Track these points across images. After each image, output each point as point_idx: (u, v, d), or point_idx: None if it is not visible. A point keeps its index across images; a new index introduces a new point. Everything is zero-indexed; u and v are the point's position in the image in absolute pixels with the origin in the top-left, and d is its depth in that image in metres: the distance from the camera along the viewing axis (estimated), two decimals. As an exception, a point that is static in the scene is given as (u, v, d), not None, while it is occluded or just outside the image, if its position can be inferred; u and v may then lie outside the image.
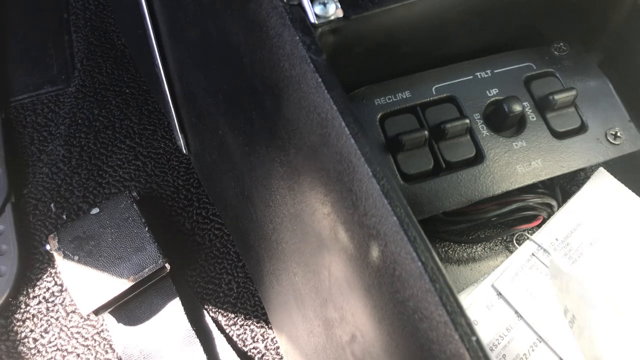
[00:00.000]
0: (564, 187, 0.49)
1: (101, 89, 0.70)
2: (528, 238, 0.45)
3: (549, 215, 0.46)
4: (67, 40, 0.75)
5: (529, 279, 0.43)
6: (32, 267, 0.61)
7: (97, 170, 0.65)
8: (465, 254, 0.48)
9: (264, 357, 0.59)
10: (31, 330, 0.58)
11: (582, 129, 0.43)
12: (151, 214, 0.62)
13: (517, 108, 0.40)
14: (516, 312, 0.42)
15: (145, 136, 0.67)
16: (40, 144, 0.68)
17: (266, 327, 0.60)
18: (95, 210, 0.59)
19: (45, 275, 0.61)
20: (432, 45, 0.42)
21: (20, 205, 0.64)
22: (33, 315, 0.59)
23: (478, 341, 0.28)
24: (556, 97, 0.42)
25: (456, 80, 0.42)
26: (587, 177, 0.48)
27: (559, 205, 0.46)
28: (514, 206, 0.44)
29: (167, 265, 0.56)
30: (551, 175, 0.41)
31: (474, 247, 0.48)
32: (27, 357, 0.57)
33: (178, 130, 0.60)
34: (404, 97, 0.41)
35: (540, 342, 0.42)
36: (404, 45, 0.41)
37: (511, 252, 0.46)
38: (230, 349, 0.58)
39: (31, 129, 0.69)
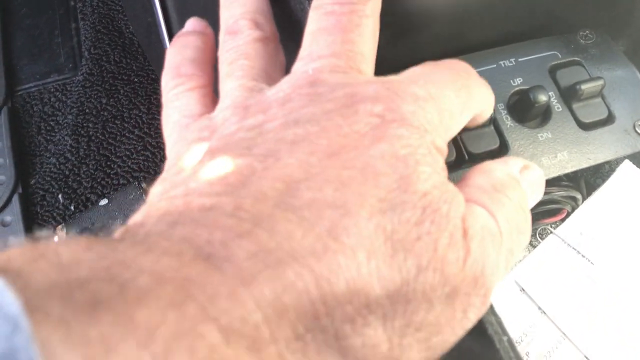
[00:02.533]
0: (588, 179, 0.48)
1: (109, 77, 0.69)
2: (551, 232, 0.44)
3: (573, 209, 0.45)
4: (74, 28, 0.74)
5: (552, 274, 0.42)
6: (39, 259, 0.60)
7: (106, 160, 0.64)
8: (485, 248, 0.47)
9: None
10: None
11: (609, 119, 0.42)
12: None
13: (543, 98, 0.39)
14: (539, 308, 0.41)
15: (155, 126, 0.66)
16: (48, 133, 0.66)
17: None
18: (104, 202, 0.58)
19: (53, 268, 0.60)
20: (454, 32, 0.41)
21: (28, 196, 0.63)
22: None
23: (510, 341, 0.27)
24: (583, 86, 0.40)
25: (479, 69, 0.41)
26: (612, 170, 0.47)
27: (584, 199, 0.45)
28: (537, 199, 0.42)
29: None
30: (577, 167, 0.40)
31: (494, 241, 0.47)
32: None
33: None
34: (426, 86, 0.40)
35: (564, 339, 0.40)
36: (424, 32, 0.39)
37: (534, 246, 0.45)
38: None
39: (38, 119, 0.67)
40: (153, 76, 0.69)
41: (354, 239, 0.16)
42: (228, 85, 0.23)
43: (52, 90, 0.69)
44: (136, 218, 0.18)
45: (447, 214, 0.18)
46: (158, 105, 0.67)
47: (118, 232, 0.17)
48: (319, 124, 0.18)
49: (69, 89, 0.69)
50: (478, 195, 0.21)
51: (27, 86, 0.70)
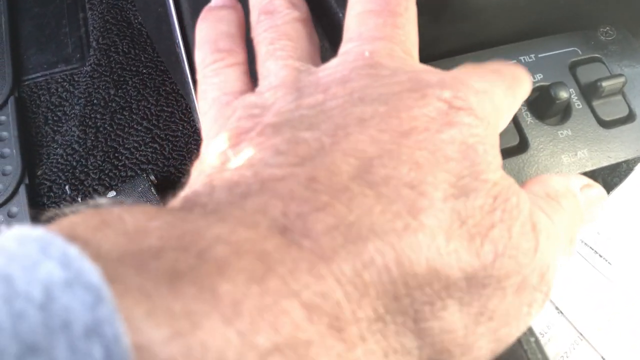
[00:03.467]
0: (605, 178, 0.47)
1: (117, 68, 0.68)
2: (569, 231, 0.44)
3: (591, 208, 0.44)
4: (82, 18, 0.73)
5: (569, 274, 0.41)
6: (46, 251, 0.59)
7: (114, 152, 0.63)
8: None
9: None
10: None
11: (630, 117, 0.41)
12: (169, 198, 0.60)
13: (564, 95, 0.38)
14: (557, 308, 0.41)
15: (163, 118, 0.65)
16: (55, 124, 0.66)
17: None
18: (111, 194, 0.57)
19: (60, 259, 0.59)
20: (474, 26, 0.40)
21: (34, 187, 0.62)
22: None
23: (537, 342, 0.26)
24: (604, 84, 0.40)
25: (499, 64, 0.40)
26: (629, 169, 0.46)
27: (602, 198, 0.44)
28: (555, 198, 0.42)
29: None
30: (598, 165, 0.39)
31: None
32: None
33: (198, 112, 0.58)
34: (446, 80, 0.39)
35: (581, 339, 0.40)
36: (443, 27, 0.38)
37: (550, 245, 0.45)
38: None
39: (45, 109, 0.67)
40: (162, 68, 0.68)
41: (432, 220, 0.16)
42: (272, 66, 0.22)
43: (59, 80, 0.69)
44: (194, 188, 0.17)
45: (517, 205, 0.18)
46: (167, 97, 0.67)
47: (177, 202, 0.17)
48: (387, 104, 0.18)
49: (76, 79, 0.69)
50: (534, 200, 0.21)
51: (34, 76, 0.69)
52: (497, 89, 0.21)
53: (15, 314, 0.10)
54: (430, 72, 0.19)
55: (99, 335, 0.10)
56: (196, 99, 0.59)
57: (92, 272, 0.11)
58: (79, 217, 0.14)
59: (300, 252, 0.14)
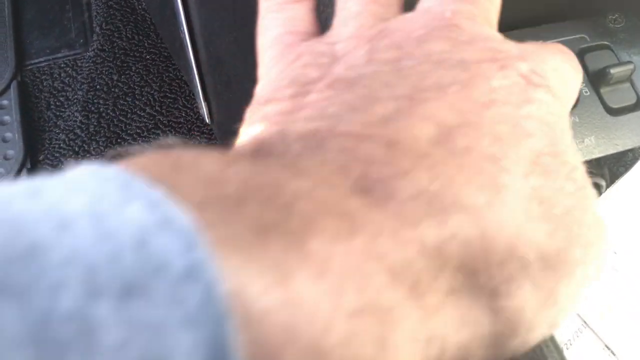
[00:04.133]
0: (611, 168, 0.47)
1: (121, 54, 0.68)
2: (574, 219, 0.43)
3: (597, 197, 0.44)
4: (86, 3, 0.73)
5: (574, 262, 0.41)
6: (48, 235, 0.59)
7: (116, 138, 0.63)
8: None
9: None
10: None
11: (638, 105, 0.41)
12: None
13: (572, 81, 0.38)
14: (561, 296, 0.40)
15: (166, 104, 0.65)
16: (57, 109, 0.66)
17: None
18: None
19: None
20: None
21: (36, 172, 0.62)
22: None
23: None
24: (612, 71, 0.39)
25: (507, 50, 0.40)
26: (635, 158, 0.46)
27: (607, 186, 0.44)
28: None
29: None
30: (604, 153, 0.39)
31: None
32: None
33: (202, 98, 0.58)
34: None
35: (585, 327, 0.40)
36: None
37: (555, 233, 0.44)
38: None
39: (48, 94, 0.67)
40: (165, 54, 0.68)
41: (513, 197, 0.16)
42: (353, 8, 0.21)
43: (62, 65, 0.68)
44: (263, 135, 0.17)
45: (590, 195, 0.18)
46: (170, 84, 0.66)
47: (247, 147, 0.16)
48: (468, 71, 0.17)
49: (79, 64, 0.68)
50: None
51: (36, 61, 0.69)
52: (567, 69, 0.20)
53: (111, 254, 0.10)
54: (510, 44, 0.19)
55: (196, 280, 0.10)
56: (200, 86, 0.59)
57: (180, 216, 0.11)
58: (150, 158, 0.13)
59: (384, 215, 0.14)
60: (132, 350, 0.09)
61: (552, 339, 0.26)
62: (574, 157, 0.18)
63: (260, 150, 0.16)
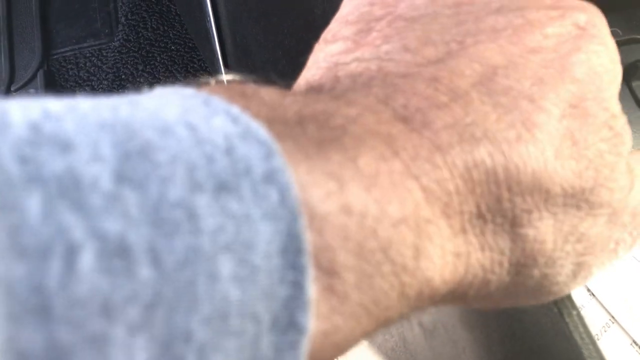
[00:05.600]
0: None
1: (146, 44, 0.68)
2: (602, 214, 0.43)
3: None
4: (111, -6, 0.73)
5: (602, 257, 0.41)
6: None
7: (141, 127, 0.64)
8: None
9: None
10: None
11: (670, 100, 0.40)
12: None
13: (604, 74, 0.38)
14: (588, 290, 0.40)
15: (191, 95, 0.65)
16: (83, 98, 0.66)
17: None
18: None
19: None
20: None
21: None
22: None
23: (579, 315, 0.26)
24: (644, 64, 0.39)
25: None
26: (665, 154, 0.45)
27: (637, 181, 0.44)
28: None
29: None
30: (636, 147, 0.38)
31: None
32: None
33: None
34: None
35: (613, 322, 0.40)
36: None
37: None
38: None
39: (73, 83, 0.67)
40: (190, 44, 0.68)
41: (545, 134, 0.17)
42: None
43: (87, 55, 0.69)
44: (317, 77, 0.18)
45: (624, 142, 0.19)
46: (195, 74, 0.67)
47: (301, 86, 0.18)
48: (524, 17, 0.18)
49: (104, 54, 0.69)
50: None
51: (63, 50, 0.69)
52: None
53: (206, 156, 0.12)
54: None
55: (274, 182, 0.12)
56: (224, 75, 0.59)
57: (259, 128, 0.12)
58: (217, 87, 0.15)
59: (420, 140, 0.15)
60: (225, 234, 0.11)
61: (587, 331, 0.26)
62: (616, 106, 0.19)
63: (311, 89, 0.17)
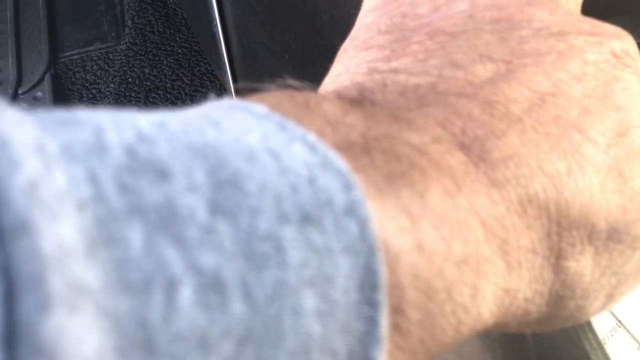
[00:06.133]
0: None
1: (152, 47, 0.68)
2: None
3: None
4: (118, -3, 0.73)
5: (609, 261, 0.41)
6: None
7: (147, 130, 0.64)
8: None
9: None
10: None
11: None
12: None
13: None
14: (596, 295, 0.40)
15: (197, 98, 0.66)
16: (90, 101, 0.66)
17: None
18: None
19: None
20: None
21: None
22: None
23: (588, 322, 0.26)
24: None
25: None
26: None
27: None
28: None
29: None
30: None
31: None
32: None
33: (234, 93, 0.58)
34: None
35: (619, 327, 0.40)
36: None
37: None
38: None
39: (80, 86, 0.67)
40: (197, 48, 0.69)
41: (592, 167, 0.17)
42: None
43: (94, 58, 0.69)
44: (364, 82, 0.17)
45: None
46: (201, 78, 0.67)
47: (350, 94, 0.17)
48: (566, 42, 0.18)
49: (111, 57, 0.69)
50: None
51: (69, 53, 0.70)
52: None
53: (291, 186, 0.11)
54: (603, 22, 0.20)
55: (355, 215, 0.12)
56: (231, 80, 0.59)
57: (336, 158, 0.12)
58: (283, 95, 0.14)
59: (477, 175, 0.15)
60: (309, 268, 0.11)
61: (595, 338, 0.26)
62: None
63: (364, 99, 0.17)
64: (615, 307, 0.40)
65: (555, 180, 0.16)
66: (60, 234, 0.09)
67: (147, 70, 0.67)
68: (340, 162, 0.12)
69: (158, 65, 0.67)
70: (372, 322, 0.12)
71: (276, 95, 0.14)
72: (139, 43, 0.69)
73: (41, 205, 0.09)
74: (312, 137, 0.13)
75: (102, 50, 0.70)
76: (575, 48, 0.18)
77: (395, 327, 0.13)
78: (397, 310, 0.13)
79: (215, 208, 0.11)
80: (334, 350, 0.12)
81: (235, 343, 0.10)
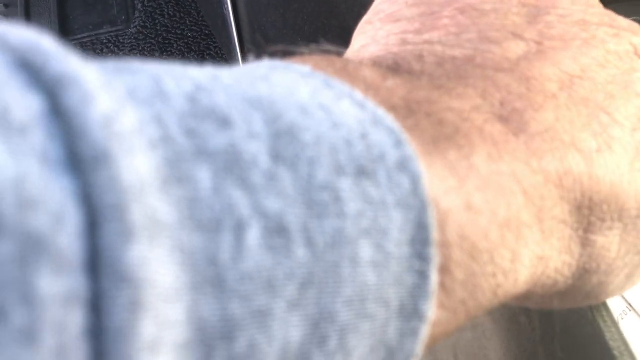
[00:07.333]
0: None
1: (162, 31, 0.68)
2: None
3: None
4: (128, -20, 0.73)
5: (620, 245, 0.41)
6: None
7: (157, 113, 0.64)
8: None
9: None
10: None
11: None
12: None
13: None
14: (606, 278, 0.40)
15: (207, 81, 0.66)
16: (99, 84, 0.67)
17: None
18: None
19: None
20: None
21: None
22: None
23: (603, 302, 0.27)
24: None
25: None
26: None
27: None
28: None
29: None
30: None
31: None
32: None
33: None
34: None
35: (630, 310, 0.40)
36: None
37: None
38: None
39: (90, 69, 0.68)
40: (206, 31, 0.68)
41: (620, 147, 0.18)
42: None
43: (104, 41, 0.69)
44: (397, 52, 0.18)
45: None
46: (211, 61, 0.67)
47: (385, 62, 0.17)
48: (588, 32, 0.19)
49: (121, 40, 0.69)
50: None
51: (79, 36, 0.70)
52: None
53: (344, 139, 0.12)
54: (618, 16, 0.21)
55: (406, 170, 0.12)
56: (242, 64, 0.59)
57: (385, 115, 0.13)
58: (321, 59, 0.15)
59: (518, 143, 0.16)
60: (365, 220, 0.11)
61: (609, 315, 0.26)
62: None
63: (400, 67, 0.17)
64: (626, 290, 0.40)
65: (586, 156, 0.17)
66: (138, 167, 0.09)
67: (156, 54, 0.67)
68: (389, 119, 0.13)
69: (168, 49, 0.67)
70: (422, 276, 0.12)
71: (314, 58, 0.14)
72: (148, 26, 0.69)
73: (118, 137, 0.09)
74: (359, 94, 0.13)
75: (112, 33, 0.70)
76: (598, 37, 0.19)
77: (441, 285, 0.13)
78: (443, 268, 0.13)
79: (276, 156, 0.11)
80: (387, 301, 0.12)
81: (298, 286, 0.11)
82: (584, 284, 0.18)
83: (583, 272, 0.18)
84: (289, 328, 0.11)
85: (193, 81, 0.11)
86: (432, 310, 0.13)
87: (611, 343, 0.24)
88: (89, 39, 0.70)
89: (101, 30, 0.70)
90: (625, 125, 0.18)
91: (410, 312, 0.13)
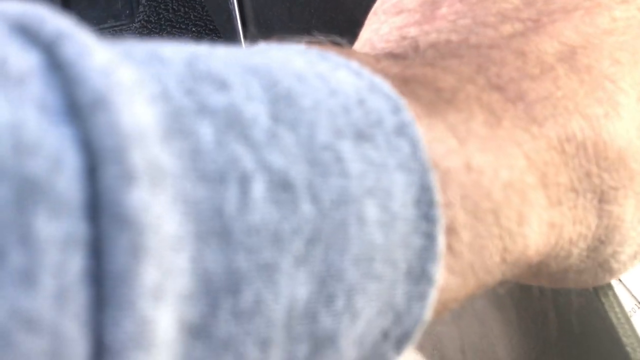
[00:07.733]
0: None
1: (167, 26, 0.68)
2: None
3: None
4: (132, -25, 0.73)
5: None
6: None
7: (161, 108, 0.64)
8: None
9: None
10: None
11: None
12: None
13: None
14: (615, 275, 0.40)
15: (211, 76, 0.66)
16: (103, 79, 0.66)
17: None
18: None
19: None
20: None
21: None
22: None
23: (614, 295, 0.26)
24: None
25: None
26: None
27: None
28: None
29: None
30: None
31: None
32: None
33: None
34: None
35: (639, 307, 0.40)
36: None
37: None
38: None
39: (94, 64, 0.67)
40: (211, 26, 0.68)
41: (627, 114, 0.18)
42: None
43: (108, 35, 0.69)
44: (396, 43, 0.18)
45: None
46: (215, 56, 0.67)
47: (382, 53, 0.18)
48: (592, 0, 0.19)
49: (125, 35, 0.69)
50: None
51: (84, 30, 0.70)
52: None
53: (342, 105, 0.12)
54: None
55: (405, 135, 0.13)
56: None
57: (383, 83, 0.13)
58: (316, 43, 0.15)
59: (516, 111, 0.16)
60: (369, 180, 0.12)
61: (622, 311, 0.26)
62: None
63: (397, 55, 0.17)
64: (635, 288, 0.40)
65: (593, 122, 0.17)
66: (138, 114, 0.09)
67: (161, 48, 0.67)
68: (386, 86, 0.13)
69: (172, 44, 0.67)
70: (429, 238, 0.13)
71: (308, 43, 0.15)
72: (153, 21, 0.68)
73: (118, 86, 0.09)
74: (355, 64, 0.13)
75: (115, 28, 0.70)
76: (603, 5, 0.19)
77: (448, 248, 0.13)
78: (449, 230, 0.13)
79: (276, 118, 0.11)
80: (394, 262, 0.12)
81: (305, 242, 0.11)
82: (598, 255, 0.18)
83: (598, 244, 0.18)
84: (296, 285, 0.10)
85: (188, 50, 0.11)
86: (440, 273, 0.13)
87: (624, 339, 0.24)
88: (93, 33, 0.69)
89: (105, 25, 0.70)
90: (631, 94, 0.17)
91: (419, 275, 0.13)
